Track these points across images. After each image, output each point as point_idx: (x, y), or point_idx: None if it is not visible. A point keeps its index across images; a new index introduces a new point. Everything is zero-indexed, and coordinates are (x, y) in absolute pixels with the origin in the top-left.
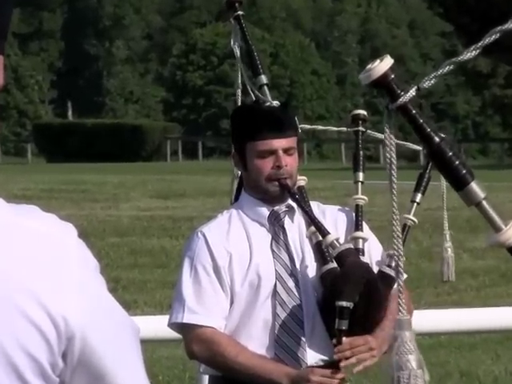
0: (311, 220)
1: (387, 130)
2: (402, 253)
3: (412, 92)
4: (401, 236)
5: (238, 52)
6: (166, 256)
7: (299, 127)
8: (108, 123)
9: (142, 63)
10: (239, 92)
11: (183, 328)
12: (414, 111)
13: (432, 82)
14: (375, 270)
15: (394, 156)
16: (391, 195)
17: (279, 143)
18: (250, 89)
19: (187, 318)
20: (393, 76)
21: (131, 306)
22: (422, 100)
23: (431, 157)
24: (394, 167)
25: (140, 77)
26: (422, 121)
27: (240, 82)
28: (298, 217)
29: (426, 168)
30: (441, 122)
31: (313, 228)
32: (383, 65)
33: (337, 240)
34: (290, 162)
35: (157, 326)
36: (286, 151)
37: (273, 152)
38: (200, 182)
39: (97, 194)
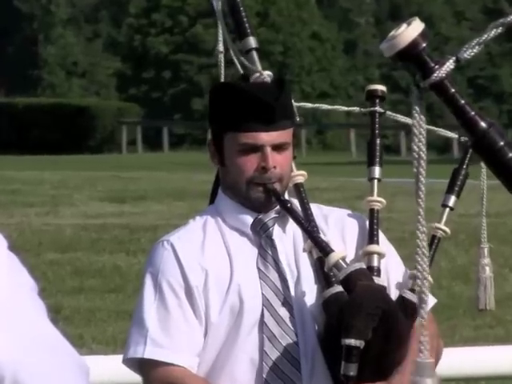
0: (309, 236)
1: (417, 115)
2: (427, 275)
3: (449, 65)
4: (427, 254)
5: (218, 4)
6: (121, 277)
7: (296, 113)
8: (45, 103)
9: (89, 25)
10: (222, 58)
11: (144, 365)
12: (453, 89)
13: (475, 50)
14: (394, 295)
15: (424, 149)
16: (417, 199)
17: (268, 137)
18: (233, 54)
19: (149, 353)
20: (424, 45)
21: (76, 343)
22: None
23: (476, 148)
24: (422, 163)
25: (87, 42)
26: (463, 102)
27: (222, 45)
28: (292, 224)
29: (463, 162)
30: (480, 101)
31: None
32: (411, 31)
33: (343, 259)
34: (281, 162)
35: (109, 367)
36: (277, 148)
37: (258, 148)
38: (165, 181)
39: (30, 196)
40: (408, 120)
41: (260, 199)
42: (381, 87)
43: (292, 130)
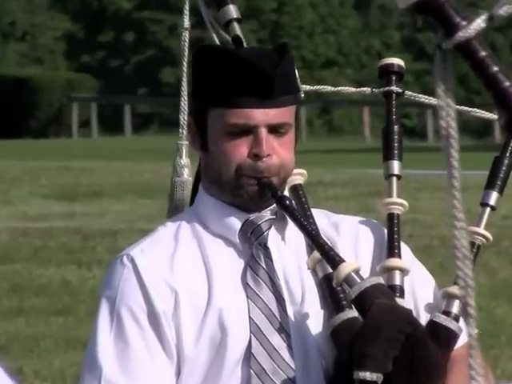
0: (313, 241)
1: (441, 84)
2: (471, 283)
3: (480, 22)
4: (469, 256)
5: None
6: (72, 296)
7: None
8: None
9: None
10: (186, 36)
11: None
12: (483, 52)
13: None
14: (424, 320)
15: (454, 125)
16: (450, 189)
17: (263, 115)
18: (209, 27)
19: None
20: None
21: (14, 378)
22: None
23: (510, 127)
24: (454, 143)
25: None
26: (496, 69)
27: (187, 19)
28: (294, 230)
29: (506, 148)
30: None
31: (317, 254)
32: None
33: (356, 272)
34: (279, 149)
35: None
36: (275, 130)
37: (251, 129)
38: (128, 173)
39: None
40: (434, 101)
41: (252, 195)
42: (397, 61)
43: (294, 109)
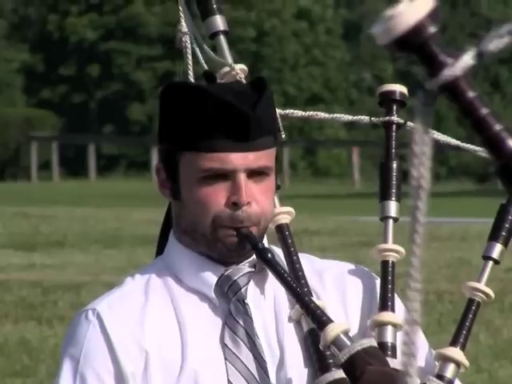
0: (297, 299)
1: (420, 129)
2: (416, 353)
3: (468, 59)
4: (419, 323)
5: None
6: (30, 356)
7: (280, 125)
8: None
9: None
10: (187, 41)
11: None
12: (471, 93)
13: (506, 40)
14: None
15: (428, 175)
16: (411, 245)
17: (241, 160)
18: (192, 39)
19: None
20: (433, 30)
21: None
22: None
23: (502, 174)
24: (423, 194)
25: None
26: (486, 111)
27: (187, 29)
28: (274, 282)
29: None
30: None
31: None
32: (416, 9)
33: (345, 333)
34: (259, 196)
35: None
36: (254, 175)
37: (228, 174)
38: (92, 220)
39: None
40: (437, 136)
41: (230, 247)
42: (400, 88)
43: (275, 151)
